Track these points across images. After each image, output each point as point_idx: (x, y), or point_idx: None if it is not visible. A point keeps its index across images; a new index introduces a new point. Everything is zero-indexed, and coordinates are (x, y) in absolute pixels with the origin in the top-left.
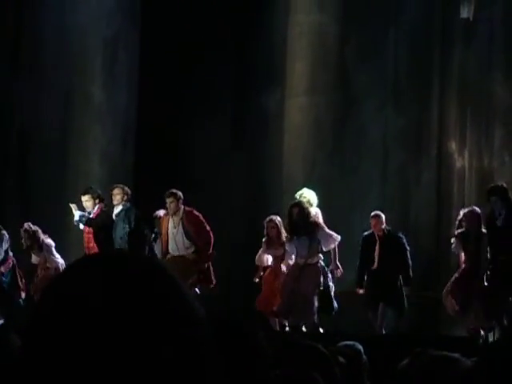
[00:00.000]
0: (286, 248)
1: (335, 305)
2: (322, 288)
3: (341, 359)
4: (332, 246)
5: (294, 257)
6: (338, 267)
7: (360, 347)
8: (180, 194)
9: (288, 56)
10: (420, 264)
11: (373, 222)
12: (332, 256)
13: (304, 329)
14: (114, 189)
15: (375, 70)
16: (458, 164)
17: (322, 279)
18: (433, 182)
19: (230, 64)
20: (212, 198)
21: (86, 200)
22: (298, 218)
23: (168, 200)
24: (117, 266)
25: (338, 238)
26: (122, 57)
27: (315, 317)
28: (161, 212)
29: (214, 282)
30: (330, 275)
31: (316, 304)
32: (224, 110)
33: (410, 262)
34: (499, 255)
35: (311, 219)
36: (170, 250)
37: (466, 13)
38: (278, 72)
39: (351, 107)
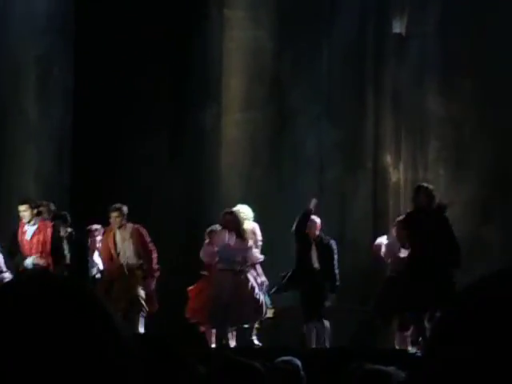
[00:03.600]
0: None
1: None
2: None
3: (278, 375)
4: (259, 257)
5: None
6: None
7: (298, 362)
8: (125, 208)
9: (224, 72)
10: (358, 277)
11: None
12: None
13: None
14: (39, 206)
15: (310, 85)
16: (394, 177)
17: (256, 284)
18: (369, 195)
19: (167, 80)
20: (151, 215)
21: (24, 210)
22: (233, 227)
23: (113, 214)
24: (30, 291)
25: (260, 259)
26: (57, 73)
27: (263, 316)
28: (95, 226)
29: (156, 307)
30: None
31: (264, 303)
32: (161, 127)
33: (338, 270)
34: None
35: (242, 228)
36: (122, 260)
37: (398, 28)
38: (213, 88)
39: (287, 122)
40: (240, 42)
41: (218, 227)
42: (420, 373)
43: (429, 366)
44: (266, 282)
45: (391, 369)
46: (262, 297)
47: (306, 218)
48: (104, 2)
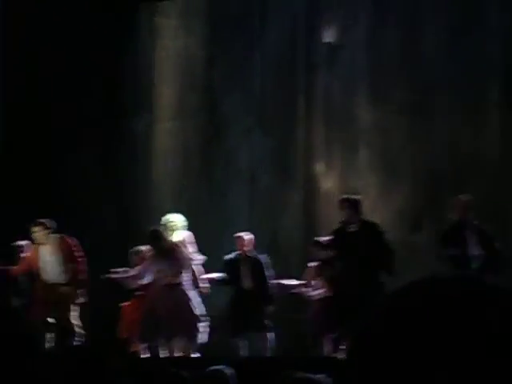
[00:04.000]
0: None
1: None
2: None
3: None
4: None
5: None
6: (201, 284)
7: (230, 371)
8: (49, 223)
9: (155, 80)
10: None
11: (237, 241)
12: (194, 274)
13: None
14: None
15: (242, 94)
16: (325, 186)
17: (192, 296)
18: (300, 205)
19: (98, 89)
20: (83, 226)
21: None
22: (157, 243)
23: (34, 229)
24: None
25: (195, 261)
26: None
27: (199, 332)
28: (22, 242)
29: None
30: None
31: (199, 318)
32: (93, 136)
33: (272, 282)
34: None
35: (168, 242)
36: (45, 278)
37: (328, 37)
38: (145, 96)
39: (219, 130)
40: (171, 51)
41: (142, 248)
42: (342, 380)
43: (348, 374)
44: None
45: (321, 376)
46: (198, 311)
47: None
48: (32, 12)
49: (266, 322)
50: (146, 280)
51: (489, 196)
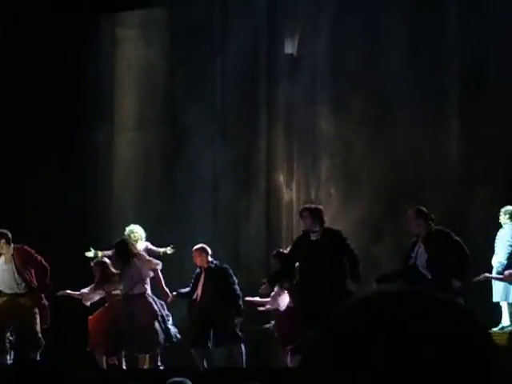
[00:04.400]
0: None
1: (172, 333)
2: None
3: None
4: (151, 272)
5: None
6: (167, 292)
7: (189, 383)
8: (9, 234)
9: (116, 90)
10: (251, 296)
11: (194, 255)
12: (157, 282)
13: (146, 364)
14: None
15: (203, 104)
16: (286, 197)
17: (157, 308)
18: (262, 215)
19: (58, 99)
20: (43, 235)
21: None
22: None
23: None
24: None
25: (159, 264)
26: None
27: (159, 348)
28: None
29: (48, 323)
30: (164, 306)
31: (160, 334)
32: (52, 146)
33: (239, 292)
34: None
35: (129, 252)
36: (1, 288)
37: (290, 48)
38: (106, 106)
39: (180, 141)
40: (132, 61)
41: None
42: None
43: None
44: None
45: None
46: (159, 326)
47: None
48: None
49: (233, 333)
50: (95, 298)
51: (448, 206)
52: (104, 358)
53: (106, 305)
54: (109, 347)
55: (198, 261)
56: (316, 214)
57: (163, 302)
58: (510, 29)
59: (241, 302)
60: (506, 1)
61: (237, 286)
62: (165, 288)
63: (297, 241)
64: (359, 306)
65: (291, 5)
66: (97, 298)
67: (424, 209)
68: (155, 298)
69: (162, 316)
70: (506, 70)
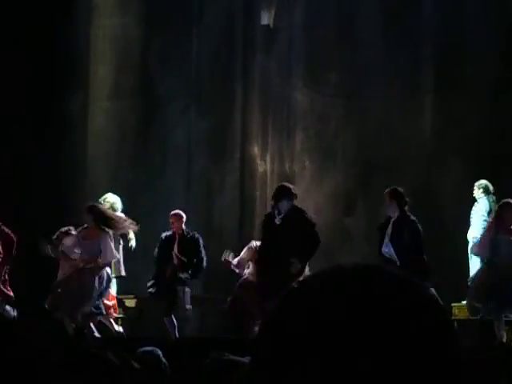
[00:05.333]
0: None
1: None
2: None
3: (135, 365)
4: (106, 261)
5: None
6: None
7: (159, 352)
8: None
9: (91, 59)
10: (224, 268)
11: (173, 219)
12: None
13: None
14: None
15: (179, 74)
16: (261, 168)
17: (97, 283)
18: (236, 186)
19: (32, 67)
20: (17, 206)
21: None
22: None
23: None
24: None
25: (115, 258)
26: None
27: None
28: None
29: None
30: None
31: (84, 304)
32: (26, 115)
33: (204, 264)
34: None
35: (102, 225)
36: None
37: (266, 19)
38: (80, 76)
39: (155, 111)
40: (108, 30)
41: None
42: (253, 361)
43: (258, 354)
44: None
45: (248, 359)
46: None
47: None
48: None
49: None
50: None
51: (421, 181)
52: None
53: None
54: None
55: (176, 226)
56: (291, 197)
57: (108, 276)
58: (485, 4)
59: (200, 268)
60: None
61: (204, 258)
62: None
63: (264, 220)
64: (317, 282)
65: None
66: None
67: (399, 190)
68: (104, 274)
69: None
70: (479, 45)
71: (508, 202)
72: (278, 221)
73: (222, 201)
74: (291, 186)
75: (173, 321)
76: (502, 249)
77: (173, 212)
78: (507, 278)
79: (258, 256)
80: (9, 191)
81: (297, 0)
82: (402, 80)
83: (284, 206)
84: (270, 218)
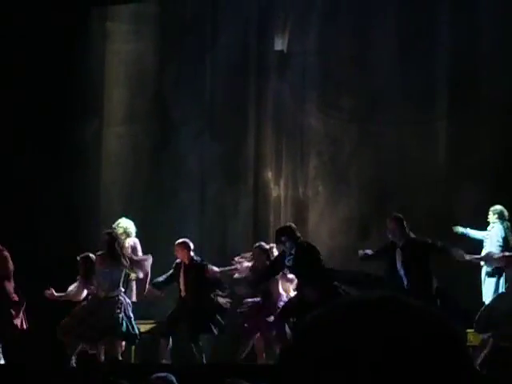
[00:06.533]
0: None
1: (136, 332)
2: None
3: None
4: (147, 268)
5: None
6: (149, 289)
7: (172, 378)
8: None
9: (105, 85)
10: (237, 293)
11: (176, 249)
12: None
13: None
14: None
15: (192, 99)
16: (274, 193)
17: (118, 311)
18: (250, 211)
19: (47, 93)
20: (30, 231)
21: None
22: (106, 249)
23: None
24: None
25: (150, 258)
26: None
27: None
28: None
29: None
30: (129, 307)
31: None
32: (40, 140)
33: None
34: None
35: (117, 252)
36: None
37: (280, 45)
38: (95, 101)
39: (169, 136)
40: (122, 55)
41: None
42: None
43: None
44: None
45: None
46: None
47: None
48: None
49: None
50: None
51: (435, 206)
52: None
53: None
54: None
55: (180, 255)
56: (294, 236)
57: (130, 303)
58: (501, 30)
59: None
60: (496, 1)
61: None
62: (148, 285)
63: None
64: (339, 312)
65: (282, 1)
66: (85, 292)
67: (399, 216)
68: (125, 299)
69: (128, 317)
70: (494, 71)
71: None
72: (288, 262)
73: (236, 226)
74: (287, 225)
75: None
76: None
77: (177, 242)
78: None
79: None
80: (22, 217)
81: (310, 25)
82: (416, 105)
83: (288, 247)
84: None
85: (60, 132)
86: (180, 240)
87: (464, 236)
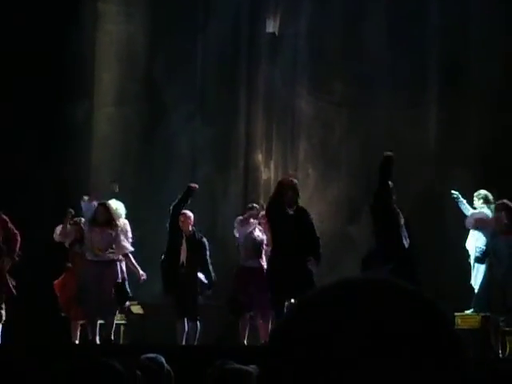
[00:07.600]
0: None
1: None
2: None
3: (138, 373)
4: (120, 253)
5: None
6: (139, 271)
7: (162, 359)
8: None
9: (96, 66)
10: (226, 275)
11: (185, 218)
12: (129, 264)
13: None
14: None
15: (183, 82)
16: (264, 176)
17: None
18: (240, 194)
19: (38, 73)
20: (19, 210)
21: None
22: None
23: None
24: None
25: (129, 249)
26: None
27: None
28: None
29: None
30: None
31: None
32: (31, 121)
33: (211, 266)
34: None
35: (113, 217)
36: None
37: (271, 27)
38: (86, 82)
39: (160, 118)
40: (113, 37)
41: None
42: (264, 369)
43: (270, 363)
44: (144, 276)
45: (252, 367)
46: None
47: (187, 196)
48: None
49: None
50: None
51: (425, 188)
52: (78, 326)
53: (69, 265)
54: (88, 315)
55: (187, 224)
56: (296, 189)
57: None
58: (490, 16)
59: (214, 278)
60: None
61: (210, 260)
62: (137, 267)
63: (274, 211)
64: (329, 295)
65: None
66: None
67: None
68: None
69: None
70: (484, 56)
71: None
72: (291, 211)
73: (226, 208)
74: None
75: (184, 326)
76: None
77: (184, 211)
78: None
79: (273, 246)
80: (14, 196)
81: (302, 8)
82: (407, 88)
83: (293, 198)
84: (281, 207)
85: (50, 114)
86: (187, 211)
87: (456, 202)
